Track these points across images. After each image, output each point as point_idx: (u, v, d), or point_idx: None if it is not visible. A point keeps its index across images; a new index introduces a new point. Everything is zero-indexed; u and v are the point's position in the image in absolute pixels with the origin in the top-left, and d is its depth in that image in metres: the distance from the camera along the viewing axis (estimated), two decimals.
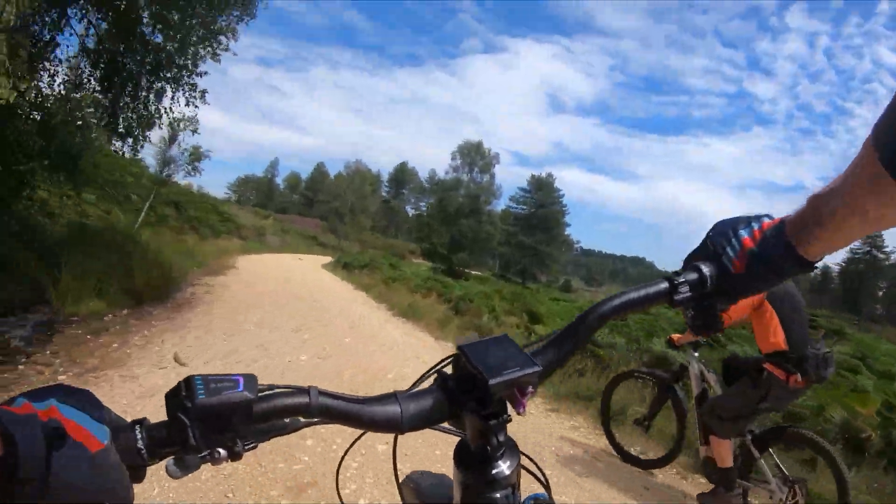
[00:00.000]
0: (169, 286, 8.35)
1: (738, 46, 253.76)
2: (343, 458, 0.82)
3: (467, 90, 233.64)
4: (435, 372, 0.65)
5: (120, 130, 7.51)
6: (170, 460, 0.51)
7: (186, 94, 8.06)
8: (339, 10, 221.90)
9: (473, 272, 56.40)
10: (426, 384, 0.65)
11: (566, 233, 75.51)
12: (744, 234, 0.72)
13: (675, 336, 4.22)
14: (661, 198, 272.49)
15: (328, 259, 26.82)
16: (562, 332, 0.69)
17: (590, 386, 6.13)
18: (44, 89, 5.86)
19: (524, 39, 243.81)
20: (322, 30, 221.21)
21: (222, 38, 8.16)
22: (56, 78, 6.27)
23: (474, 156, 59.12)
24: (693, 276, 0.72)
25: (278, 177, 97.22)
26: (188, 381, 0.51)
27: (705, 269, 0.72)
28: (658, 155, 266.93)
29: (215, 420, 0.51)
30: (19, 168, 5.34)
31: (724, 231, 0.73)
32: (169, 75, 7.70)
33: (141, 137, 7.93)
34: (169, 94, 8.22)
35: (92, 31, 7.30)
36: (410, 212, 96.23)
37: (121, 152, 8.72)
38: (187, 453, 0.50)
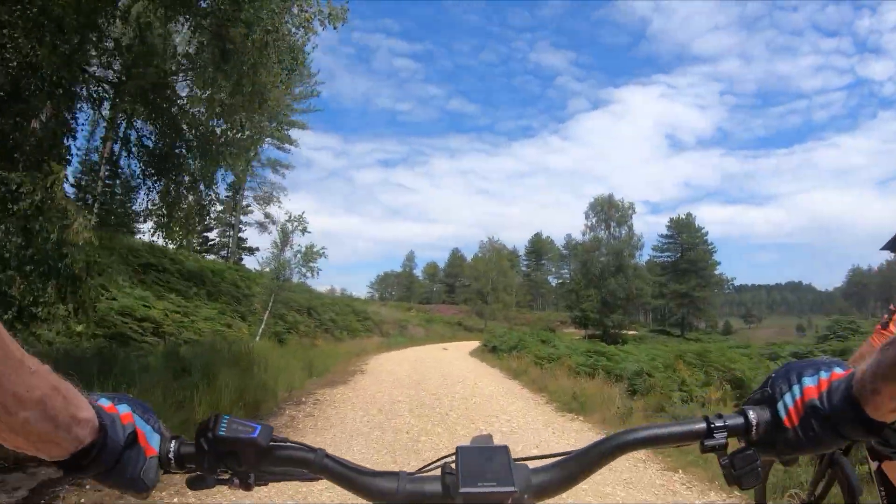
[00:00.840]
0: (259, 412, 6.54)
1: (840, 33, 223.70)
2: None
3: (585, 149, 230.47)
4: (441, 464, 0.64)
5: (168, 223, 6.16)
6: (191, 476, 0.62)
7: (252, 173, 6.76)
8: (443, 102, 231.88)
9: (628, 332, 52.54)
10: (435, 472, 0.65)
11: (717, 272, 69.58)
12: (808, 382, 0.60)
13: None
14: (804, 213, 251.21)
15: (475, 344, 24.70)
16: (574, 454, 0.66)
17: None
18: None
19: (627, 86, 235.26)
20: (432, 123, 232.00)
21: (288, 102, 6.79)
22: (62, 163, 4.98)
23: (608, 210, 55.96)
24: (737, 421, 0.63)
25: (416, 268, 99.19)
26: (216, 417, 0.60)
27: (752, 416, 0.62)
28: (791, 168, 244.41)
29: (227, 452, 0.59)
30: None
31: (787, 375, 0.62)
32: (218, 155, 6.31)
33: (189, 229, 6.59)
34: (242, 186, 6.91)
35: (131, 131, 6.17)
36: (553, 282, 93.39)
37: (174, 245, 7.44)
38: (203, 473, 0.61)
